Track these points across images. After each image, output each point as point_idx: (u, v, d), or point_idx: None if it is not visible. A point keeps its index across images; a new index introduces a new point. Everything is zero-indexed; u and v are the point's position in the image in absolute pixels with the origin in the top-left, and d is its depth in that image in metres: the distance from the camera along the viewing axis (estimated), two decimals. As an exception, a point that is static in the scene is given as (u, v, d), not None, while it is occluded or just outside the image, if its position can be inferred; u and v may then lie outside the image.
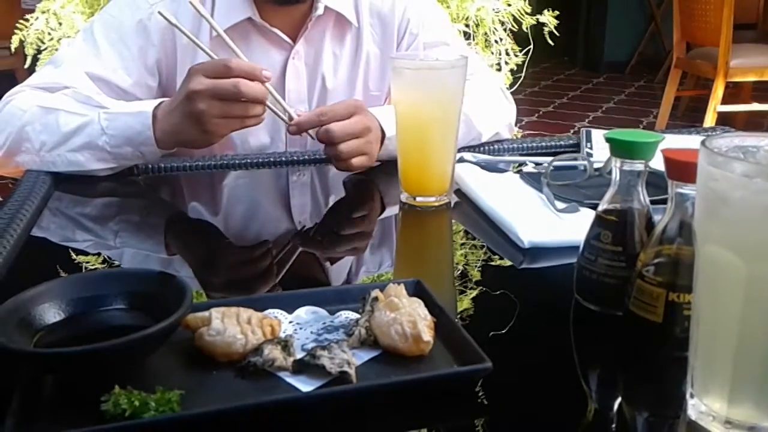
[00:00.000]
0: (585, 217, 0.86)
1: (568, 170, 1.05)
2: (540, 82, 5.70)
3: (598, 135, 1.26)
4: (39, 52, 2.00)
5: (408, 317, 0.56)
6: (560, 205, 0.90)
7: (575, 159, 1.10)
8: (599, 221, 0.67)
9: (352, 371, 0.53)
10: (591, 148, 1.21)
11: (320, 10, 1.16)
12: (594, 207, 0.88)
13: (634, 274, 0.62)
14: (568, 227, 0.84)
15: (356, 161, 1.03)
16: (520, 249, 0.82)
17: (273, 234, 0.95)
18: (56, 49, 1.96)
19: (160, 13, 0.96)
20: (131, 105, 1.03)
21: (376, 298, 0.61)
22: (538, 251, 0.81)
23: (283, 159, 1.17)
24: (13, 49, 2.08)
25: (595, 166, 1.02)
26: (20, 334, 0.52)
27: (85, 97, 1.04)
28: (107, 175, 1.05)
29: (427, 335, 0.55)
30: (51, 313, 0.55)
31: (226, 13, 1.12)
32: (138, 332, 0.50)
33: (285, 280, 0.77)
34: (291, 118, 1.01)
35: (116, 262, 0.83)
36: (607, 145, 1.18)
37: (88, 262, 0.80)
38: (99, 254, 0.83)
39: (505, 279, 0.78)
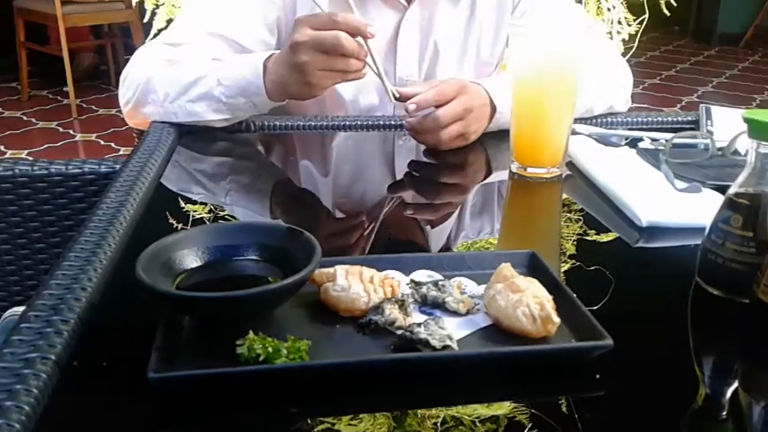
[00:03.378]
0: (707, 199, 0.83)
1: (688, 148, 1.01)
2: (647, 53, 5.45)
3: (719, 112, 1.20)
4: (157, 6, 2.08)
5: (534, 298, 0.55)
6: (680, 184, 0.87)
7: (695, 137, 1.06)
8: (730, 204, 0.65)
9: (454, 344, 0.54)
10: (711, 126, 1.16)
11: None
12: (717, 188, 0.86)
13: (765, 261, 0.59)
14: (689, 208, 0.81)
15: (453, 144, 1.04)
16: (637, 227, 0.80)
17: (376, 196, 0.96)
18: (173, 5, 2.02)
19: None
20: (245, 57, 1.05)
21: None
22: (655, 231, 0.79)
23: (392, 123, 1.18)
24: (133, 3, 2.16)
25: (718, 145, 0.99)
26: (163, 276, 0.56)
27: (205, 51, 1.08)
28: (223, 126, 1.09)
29: (556, 317, 0.55)
30: (190, 259, 0.59)
31: None
32: (273, 284, 0.52)
33: (387, 244, 0.79)
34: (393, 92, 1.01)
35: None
36: (729, 124, 1.13)
37: (195, 212, 0.84)
38: (211, 210, 0.87)
39: (620, 258, 0.77)
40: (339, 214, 0.91)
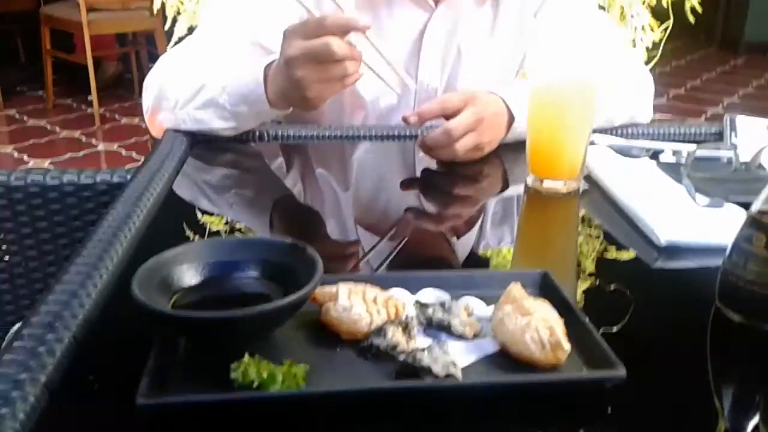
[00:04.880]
0: (730, 216, 0.80)
1: (710, 161, 0.98)
2: (671, 62, 5.37)
3: (744, 122, 1.17)
4: (178, 14, 2.08)
5: (543, 322, 0.53)
6: (702, 199, 0.84)
7: (718, 149, 1.02)
8: (753, 222, 0.62)
9: (458, 373, 0.51)
10: (736, 138, 1.12)
11: None
12: (741, 204, 0.82)
13: (791, 285, 0.56)
14: (711, 226, 0.78)
15: (468, 156, 1.01)
16: (655, 246, 0.77)
17: (388, 209, 0.95)
18: (194, 12, 2.03)
19: None
20: (249, 63, 1.02)
21: None
22: (675, 250, 0.76)
23: (407, 133, 1.15)
24: (155, 11, 2.17)
25: (742, 158, 0.95)
26: (159, 293, 0.54)
27: (216, 56, 1.06)
28: (235, 136, 1.07)
29: (567, 343, 0.52)
30: (189, 275, 0.57)
31: None
32: (271, 303, 0.51)
33: (397, 259, 0.77)
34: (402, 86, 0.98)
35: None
36: (755, 135, 1.09)
37: (211, 223, 0.83)
38: (219, 223, 0.85)
39: (636, 278, 0.74)
40: (348, 229, 0.89)
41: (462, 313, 0.58)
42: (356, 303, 0.56)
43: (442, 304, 0.59)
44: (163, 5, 2.13)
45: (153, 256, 0.58)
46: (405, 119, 1.01)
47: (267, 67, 0.97)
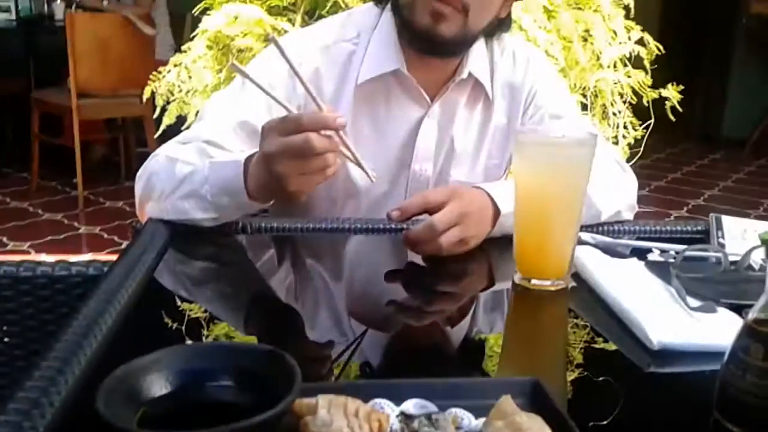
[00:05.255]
0: (723, 319, 0.79)
1: (698, 261, 0.97)
2: (652, 155, 5.50)
3: (730, 222, 1.17)
4: (168, 103, 2.10)
5: None
6: (693, 302, 0.82)
7: (706, 250, 1.01)
8: (749, 332, 0.60)
9: None
10: (722, 237, 1.12)
11: (464, 74, 1.17)
12: (732, 307, 0.81)
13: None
14: (705, 329, 0.76)
15: (453, 250, 0.99)
16: (648, 350, 0.74)
17: (372, 309, 0.92)
18: (184, 102, 2.05)
19: (233, 64, 0.95)
20: (232, 154, 1.02)
21: None
22: (668, 354, 0.74)
23: (396, 226, 1.13)
24: (144, 99, 2.19)
25: (731, 258, 0.94)
26: (127, 406, 0.51)
27: (204, 147, 1.05)
28: (218, 228, 1.05)
29: None
30: (158, 385, 0.54)
31: (377, 63, 1.14)
32: (243, 420, 0.47)
33: (385, 360, 0.74)
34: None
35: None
36: (741, 235, 1.08)
37: (191, 310, 0.80)
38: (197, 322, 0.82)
39: (630, 383, 0.71)
40: (329, 329, 0.85)
41: (450, 427, 0.54)
42: (337, 417, 0.52)
43: (429, 417, 0.55)
44: (152, 93, 2.15)
45: (130, 358, 0.54)
46: (388, 215, 1.00)
47: (248, 159, 0.96)
